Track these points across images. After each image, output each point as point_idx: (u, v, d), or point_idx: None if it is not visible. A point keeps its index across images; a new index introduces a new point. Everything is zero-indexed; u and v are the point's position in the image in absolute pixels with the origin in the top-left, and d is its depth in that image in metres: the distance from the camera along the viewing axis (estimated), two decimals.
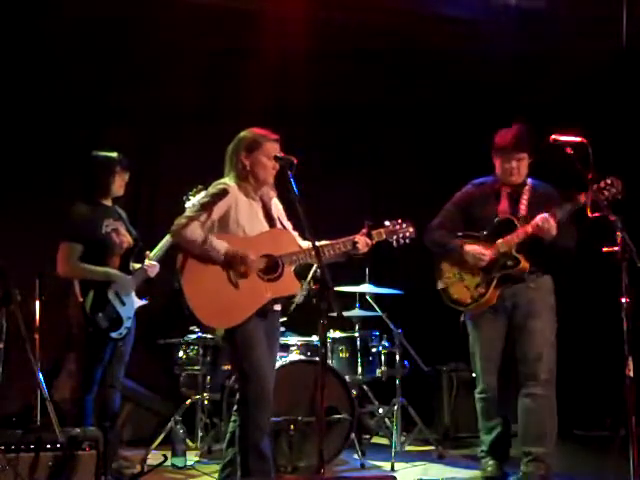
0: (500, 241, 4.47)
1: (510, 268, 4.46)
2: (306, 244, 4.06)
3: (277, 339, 4.23)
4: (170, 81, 6.49)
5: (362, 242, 4.07)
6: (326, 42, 6.44)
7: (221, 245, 3.90)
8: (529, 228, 4.39)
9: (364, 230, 4.11)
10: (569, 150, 4.33)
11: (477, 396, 4.72)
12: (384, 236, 4.17)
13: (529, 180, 4.63)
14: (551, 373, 4.47)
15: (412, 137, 7.13)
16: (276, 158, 3.98)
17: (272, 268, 3.97)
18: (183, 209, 4.63)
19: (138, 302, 4.65)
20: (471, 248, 4.53)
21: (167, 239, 4.69)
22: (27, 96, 6.10)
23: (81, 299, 4.43)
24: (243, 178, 4.06)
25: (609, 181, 4.21)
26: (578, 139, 4.19)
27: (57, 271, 4.52)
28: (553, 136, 4.24)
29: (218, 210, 3.97)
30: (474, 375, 4.73)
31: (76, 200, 4.63)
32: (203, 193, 4.62)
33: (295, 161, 3.96)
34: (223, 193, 3.99)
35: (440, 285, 4.70)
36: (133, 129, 6.46)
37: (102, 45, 6.25)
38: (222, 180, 4.09)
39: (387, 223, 4.20)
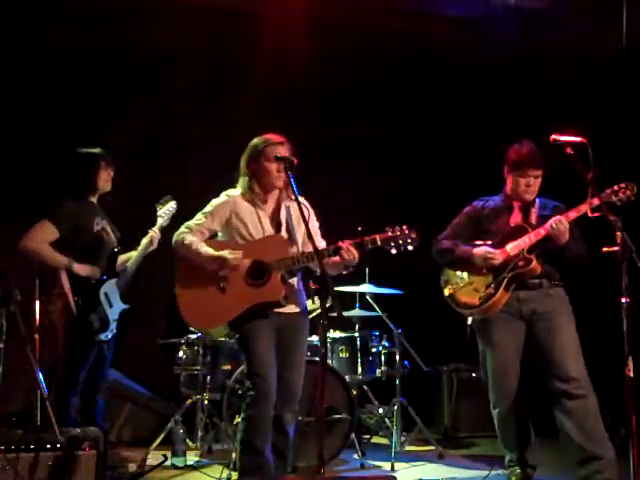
0: (512, 244, 4.37)
1: (521, 268, 4.33)
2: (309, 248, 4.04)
3: (299, 340, 4.13)
4: (170, 81, 6.50)
5: (345, 251, 3.89)
6: (326, 42, 6.46)
7: (204, 250, 4.01)
8: (542, 230, 4.30)
9: (358, 237, 3.97)
10: (569, 150, 4.33)
11: (493, 412, 4.50)
12: (379, 243, 3.95)
13: (537, 199, 4.52)
14: (584, 374, 4.30)
15: (412, 137, 7.12)
16: (277, 158, 4.00)
17: (260, 274, 4.00)
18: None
19: (122, 306, 4.58)
20: (480, 249, 4.42)
21: (143, 245, 4.66)
22: (27, 96, 6.10)
23: (75, 298, 4.39)
24: (248, 186, 4.13)
25: (623, 184, 4.16)
26: (578, 139, 4.18)
27: (18, 244, 4.41)
28: (553, 136, 4.24)
29: (218, 219, 4.11)
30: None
31: (63, 197, 4.56)
32: (171, 204, 4.74)
33: (295, 161, 3.98)
34: (226, 202, 4.12)
35: (446, 292, 4.57)
36: (133, 129, 6.46)
37: (102, 44, 6.26)
38: (227, 190, 4.17)
39: (387, 229, 4.00)
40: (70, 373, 4.42)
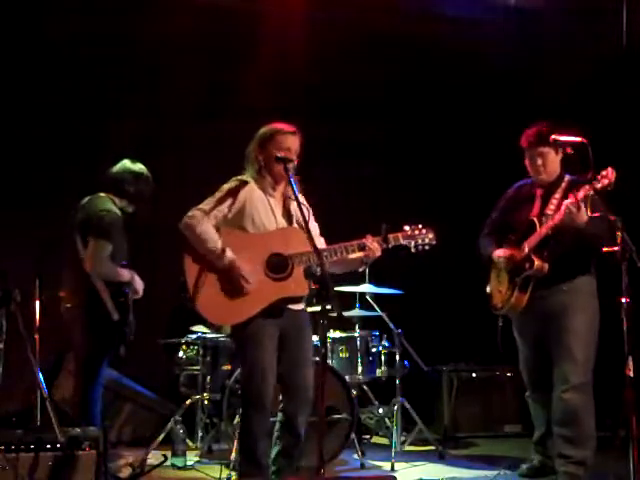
0: (525, 244, 4.38)
1: (527, 270, 4.33)
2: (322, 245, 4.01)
3: (303, 338, 4.06)
4: (171, 80, 6.50)
5: (372, 245, 3.92)
6: (326, 41, 6.45)
7: (226, 257, 3.86)
8: (544, 229, 4.26)
9: (383, 234, 3.95)
10: (569, 150, 4.33)
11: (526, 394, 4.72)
12: (401, 241, 4.00)
13: (566, 177, 4.45)
14: (586, 377, 4.30)
15: (412, 137, 7.13)
16: (276, 159, 3.95)
17: (281, 267, 3.92)
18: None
19: None
20: (497, 251, 4.52)
21: None
22: (27, 95, 6.10)
23: (120, 299, 4.41)
24: (259, 173, 4.04)
25: (604, 172, 4.05)
26: (578, 139, 4.18)
27: (87, 268, 4.40)
28: (553, 136, 4.24)
29: (233, 204, 3.97)
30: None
31: (107, 199, 4.57)
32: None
33: (296, 162, 3.96)
34: (238, 187, 3.99)
35: (487, 289, 4.67)
36: (133, 128, 6.45)
37: (103, 43, 6.26)
38: (239, 176, 4.07)
39: (406, 227, 4.03)
40: (97, 372, 4.48)
